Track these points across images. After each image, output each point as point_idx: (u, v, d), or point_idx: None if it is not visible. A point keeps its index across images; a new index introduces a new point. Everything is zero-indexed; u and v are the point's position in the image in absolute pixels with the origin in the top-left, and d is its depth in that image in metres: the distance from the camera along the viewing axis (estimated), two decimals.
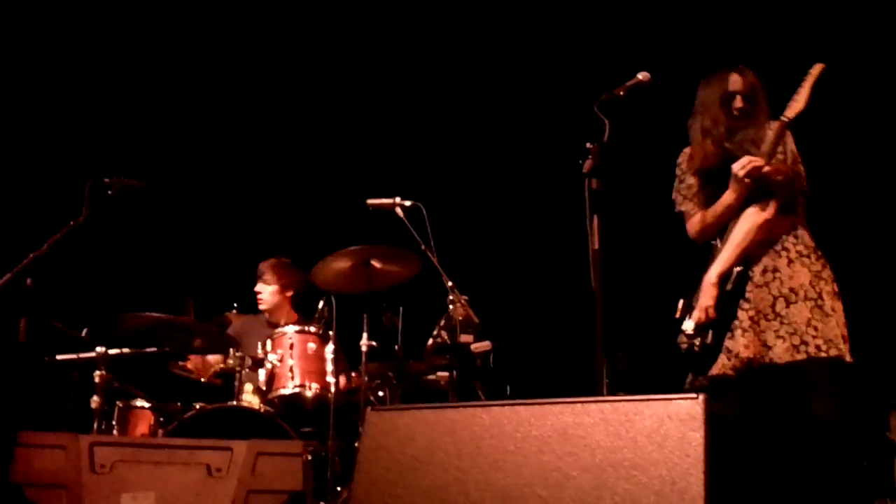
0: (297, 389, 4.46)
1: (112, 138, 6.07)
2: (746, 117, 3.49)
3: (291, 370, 4.49)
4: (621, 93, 3.48)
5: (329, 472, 4.18)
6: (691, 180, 3.59)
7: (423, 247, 4.52)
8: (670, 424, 2.71)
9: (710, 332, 3.42)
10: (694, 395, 2.74)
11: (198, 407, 4.30)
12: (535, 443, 2.79)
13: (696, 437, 2.66)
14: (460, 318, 4.58)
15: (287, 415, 4.37)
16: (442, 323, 4.63)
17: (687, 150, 3.65)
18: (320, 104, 6.30)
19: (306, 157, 6.36)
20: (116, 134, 6.12)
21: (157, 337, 4.38)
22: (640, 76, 3.49)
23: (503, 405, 2.93)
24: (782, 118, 3.35)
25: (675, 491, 2.60)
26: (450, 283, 4.53)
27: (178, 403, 4.39)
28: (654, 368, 5.08)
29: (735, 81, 3.52)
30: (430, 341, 4.62)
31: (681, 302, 3.56)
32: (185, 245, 6.28)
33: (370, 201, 4.66)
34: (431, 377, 4.86)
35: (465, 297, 4.60)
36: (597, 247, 3.43)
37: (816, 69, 3.30)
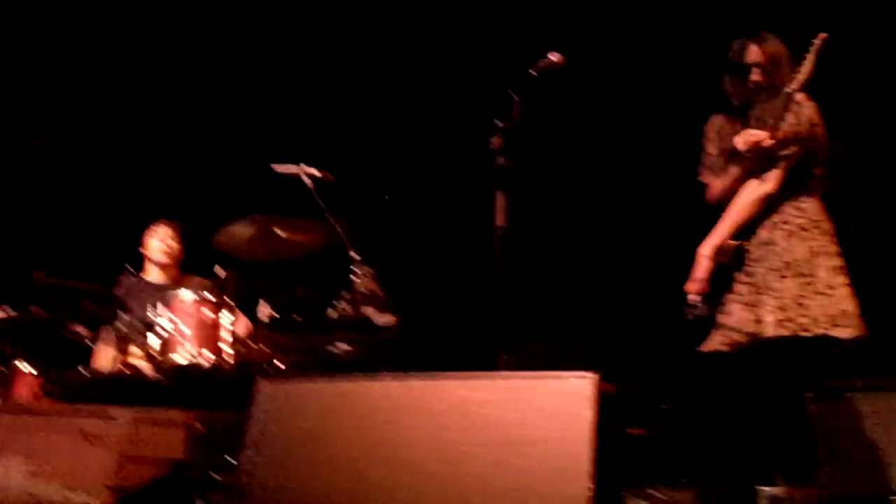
0: (191, 358, 4.35)
1: (20, 97, 5.82)
2: (766, 89, 3.44)
3: (187, 338, 4.37)
4: (534, 73, 3.48)
5: (222, 444, 4.09)
6: (712, 150, 3.57)
7: (329, 217, 4.44)
8: (563, 402, 2.73)
9: (706, 305, 3.43)
10: (586, 374, 2.76)
11: (85, 373, 4.15)
12: (430, 417, 2.78)
13: (587, 415, 2.69)
14: (366, 291, 4.53)
15: (180, 384, 4.26)
16: (346, 295, 4.56)
17: (715, 120, 3.61)
18: (230, 70, 6.12)
19: (213, 121, 6.18)
20: (24, 93, 5.87)
21: (44, 300, 4.21)
22: (554, 57, 3.49)
23: (400, 378, 2.92)
24: (786, 90, 3.31)
25: (565, 468, 2.62)
26: (356, 256, 4.46)
27: (66, 369, 4.23)
28: (556, 346, 5.11)
29: (752, 52, 3.45)
30: (333, 313, 4.55)
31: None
32: (83, 207, 6.06)
33: (276, 167, 4.55)
34: (333, 350, 4.79)
35: (372, 270, 4.54)
36: (502, 224, 3.43)
37: (819, 40, 3.28)
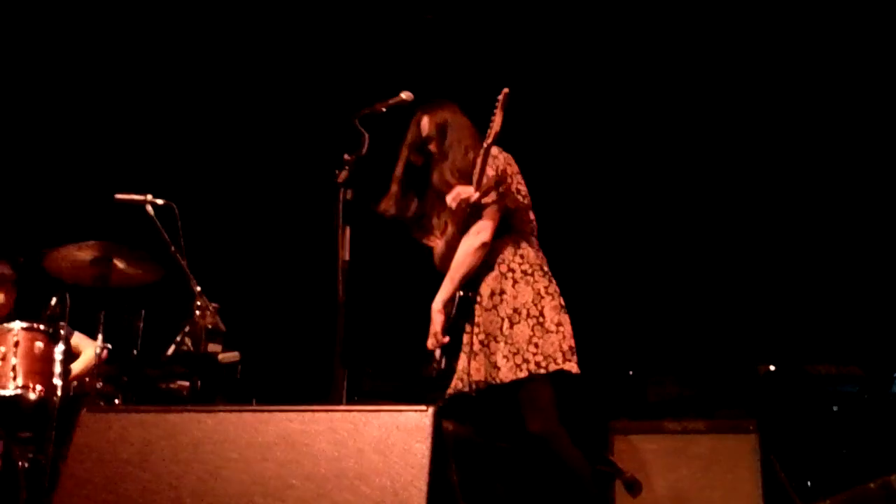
0: (18, 391, 4.15)
1: None
2: (442, 153, 3.60)
3: (14, 369, 4.16)
4: (383, 108, 3.51)
5: (47, 480, 3.89)
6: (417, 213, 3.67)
7: (172, 248, 4.32)
8: (398, 435, 2.71)
9: (444, 357, 3.46)
10: (423, 408, 2.76)
11: None
12: (258, 450, 2.71)
13: (422, 448, 2.67)
14: (208, 325, 4.41)
15: (5, 417, 4.06)
16: (186, 329, 4.43)
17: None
18: (76, 95, 5.91)
19: (53, 148, 5.95)
20: None
21: None
22: (404, 95, 3.54)
23: (229, 410, 2.84)
24: (483, 144, 3.43)
25: (397, 501, 2.60)
26: (198, 289, 4.35)
27: None
28: (401, 385, 5.11)
29: (424, 126, 3.64)
30: (171, 347, 4.42)
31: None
32: None
33: (119, 195, 4.41)
34: (172, 385, 4.64)
35: (215, 305, 4.43)
36: (347, 258, 3.41)
37: (502, 94, 3.40)
